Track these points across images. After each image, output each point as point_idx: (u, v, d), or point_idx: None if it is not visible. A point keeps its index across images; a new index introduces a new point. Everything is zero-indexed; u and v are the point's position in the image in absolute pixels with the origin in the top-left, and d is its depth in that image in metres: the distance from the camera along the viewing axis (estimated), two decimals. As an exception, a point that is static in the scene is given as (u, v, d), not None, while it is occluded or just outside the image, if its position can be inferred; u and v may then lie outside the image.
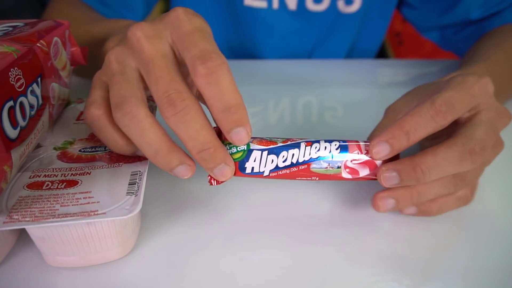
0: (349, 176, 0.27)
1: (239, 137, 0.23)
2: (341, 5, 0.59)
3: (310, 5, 0.59)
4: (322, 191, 0.32)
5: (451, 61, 0.58)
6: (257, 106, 0.45)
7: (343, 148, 0.26)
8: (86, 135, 0.30)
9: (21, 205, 0.23)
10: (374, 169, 0.27)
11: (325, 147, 0.26)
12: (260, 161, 0.26)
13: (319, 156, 0.26)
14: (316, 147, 0.26)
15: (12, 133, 0.23)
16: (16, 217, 0.22)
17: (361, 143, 0.27)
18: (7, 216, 0.22)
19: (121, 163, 0.27)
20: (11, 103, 0.23)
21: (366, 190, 0.33)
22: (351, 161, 0.26)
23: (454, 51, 0.58)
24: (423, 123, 0.25)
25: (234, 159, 0.26)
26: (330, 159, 0.26)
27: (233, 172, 0.25)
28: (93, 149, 0.28)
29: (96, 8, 0.54)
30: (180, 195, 0.31)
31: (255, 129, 0.41)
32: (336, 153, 0.26)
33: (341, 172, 0.27)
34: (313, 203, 0.31)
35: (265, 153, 0.26)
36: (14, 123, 0.23)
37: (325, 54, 0.65)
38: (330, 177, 0.27)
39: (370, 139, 0.30)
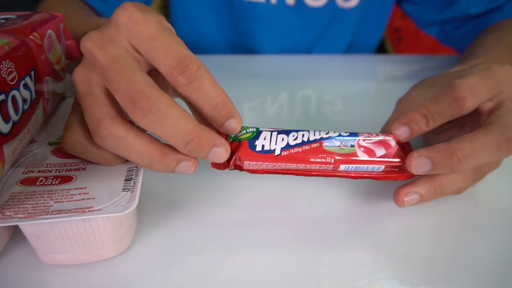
0: (366, 157, 0.26)
1: (232, 126, 0.24)
2: (339, 0, 0.59)
3: (309, 0, 0.59)
4: (320, 189, 0.32)
5: (450, 56, 0.58)
6: (255, 101, 0.45)
7: (353, 133, 0.27)
8: (81, 130, 0.30)
9: (13, 201, 0.22)
10: (390, 149, 0.26)
11: (335, 131, 0.27)
12: (270, 140, 0.26)
13: (330, 136, 0.26)
14: (325, 131, 0.27)
15: (4, 127, 0.22)
16: (9, 213, 0.21)
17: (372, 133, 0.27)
18: (-1, 213, 0.21)
19: (117, 159, 0.26)
20: (2, 96, 0.22)
21: (365, 187, 0.32)
22: (364, 140, 0.26)
23: (454, 46, 0.58)
24: (443, 109, 0.25)
25: (243, 139, 0.26)
26: (342, 137, 0.26)
27: (229, 152, 0.24)
28: (89, 145, 0.28)
29: (92, 4, 0.53)
30: (178, 192, 0.31)
31: (252, 122, 0.40)
32: (346, 135, 0.27)
33: (355, 151, 0.26)
34: (312, 200, 0.31)
35: (275, 133, 0.26)
36: (6, 117, 0.22)
37: (324, 50, 0.64)
38: (346, 160, 0.26)
39: (382, 132, 0.30)
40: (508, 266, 0.26)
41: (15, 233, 0.26)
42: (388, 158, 0.26)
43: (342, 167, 0.26)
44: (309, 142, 0.26)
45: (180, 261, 0.25)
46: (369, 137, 0.27)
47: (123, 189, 0.24)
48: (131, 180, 0.24)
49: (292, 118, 0.42)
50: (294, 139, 0.26)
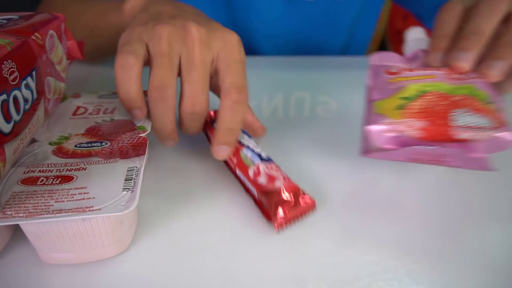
0: (251, 174, 0.28)
1: (223, 152, 0.30)
2: None
3: None
4: (320, 190, 0.32)
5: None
6: (250, 101, 0.45)
7: (269, 160, 0.30)
8: (82, 131, 0.30)
9: (14, 200, 0.22)
10: (273, 183, 0.28)
11: (263, 152, 0.30)
12: None
13: (253, 149, 0.30)
14: (258, 147, 0.31)
15: (5, 127, 0.22)
16: (10, 212, 0.21)
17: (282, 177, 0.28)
18: (0, 212, 0.21)
19: (117, 159, 0.26)
20: (4, 96, 0.22)
21: (365, 187, 0.32)
22: (266, 167, 0.29)
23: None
24: None
25: None
26: (256, 156, 0.30)
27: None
28: (89, 145, 0.28)
29: None
30: (178, 191, 0.31)
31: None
32: (263, 157, 0.30)
33: (249, 167, 0.29)
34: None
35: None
36: (7, 117, 0.23)
37: (322, 41, 0.64)
38: (240, 166, 0.30)
39: None
40: (506, 266, 0.26)
41: (16, 232, 0.27)
42: (260, 187, 0.28)
43: (238, 172, 0.30)
44: (240, 143, 0.31)
45: (180, 261, 0.25)
46: (272, 169, 0.29)
47: (123, 188, 0.24)
48: (131, 179, 0.24)
49: (286, 117, 0.42)
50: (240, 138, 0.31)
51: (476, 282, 0.25)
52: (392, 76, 0.28)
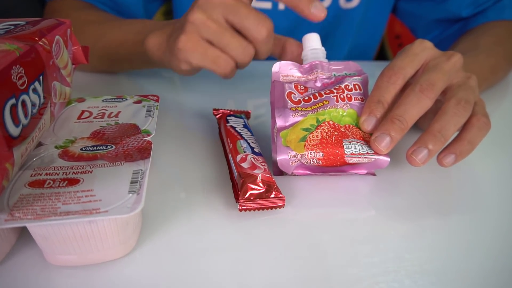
0: (238, 158, 0.31)
1: (318, 9, 0.35)
2: (342, 1, 0.60)
3: None
4: (320, 193, 0.32)
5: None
6: (261, 99, 0.46)
7: (259, 153, 0.32)
8: (87, 134, 0.30)
9: (22, 203, 0.23)
10: (253, 170, 0.30)
11: (256, 145, 0.33)
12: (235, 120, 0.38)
13: (246, 141, 0.33)
14: (254, 141, 0.34)
15: (14, 131, 0.23)
16: (18, 215, 0.22)
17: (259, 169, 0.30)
18: (8, 214, 0.22)
19: (122, 162, 0.27)
20: (13, 100, 0.23)
21: (366, 190, 0.33)
22: (253, 157, 0.31)
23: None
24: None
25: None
26: (249, 147, 0.33)
27: None
28: (95, 148, 0.28)
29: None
30: (181, 194, 0.31)
31: (257, 122, 0.41)
32: (256, 151, 0.33)
33: (241, 155, 0.32)
34: (313, 203, 0.31)
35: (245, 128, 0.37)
36: (16, 121, 0.23)
37: (327, 51, 0.65)
38: (232, 152, 0.32)
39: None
40: (506, 268, 0.26)
41: (22, 234, 0.27)
42: (241, 169, 0.30)
43: (229, 156, 0.33)
44: (238, 132, 0.35)
45: (185, 263, 0.26)
46: (258, 160, 0.31)
47: (129, 191, 0.24)
48: (137, 182, 0.25)
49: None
50: (242, 127, 0.36)
51: (477, 283, 0.25)
52: (294, 105, 0.33)
